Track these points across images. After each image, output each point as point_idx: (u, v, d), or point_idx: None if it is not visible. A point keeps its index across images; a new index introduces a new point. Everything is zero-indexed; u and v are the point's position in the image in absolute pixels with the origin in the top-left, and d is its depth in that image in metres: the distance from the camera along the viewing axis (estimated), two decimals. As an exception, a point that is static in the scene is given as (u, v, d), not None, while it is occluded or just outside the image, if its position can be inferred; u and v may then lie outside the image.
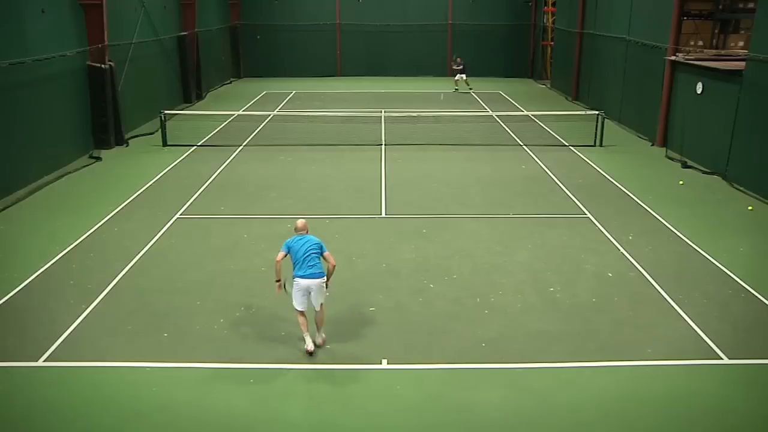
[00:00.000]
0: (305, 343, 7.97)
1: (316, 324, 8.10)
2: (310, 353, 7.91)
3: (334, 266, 7.92)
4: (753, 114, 14.64)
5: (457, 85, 30.51)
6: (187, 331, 8.53)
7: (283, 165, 16.95)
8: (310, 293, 7.85)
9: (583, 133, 19.99)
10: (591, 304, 9.30)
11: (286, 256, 7.89)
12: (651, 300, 9.44)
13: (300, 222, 8.15)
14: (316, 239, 8.02)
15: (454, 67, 30.52)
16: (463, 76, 30.13)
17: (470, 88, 30.33)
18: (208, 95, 28.88)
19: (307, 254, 7.79)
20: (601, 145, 19.06)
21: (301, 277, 7.77)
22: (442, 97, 28.44)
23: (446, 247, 11.37)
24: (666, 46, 18.65)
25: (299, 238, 7.97)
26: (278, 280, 7.95)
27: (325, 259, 7.93)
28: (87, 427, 6.69)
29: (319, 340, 8.09)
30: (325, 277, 7.89)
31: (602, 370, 7.69)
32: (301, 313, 7.99)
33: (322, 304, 7.99)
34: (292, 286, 7.86)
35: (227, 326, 8.67)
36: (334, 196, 14.34)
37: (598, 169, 16.65)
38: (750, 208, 13.58)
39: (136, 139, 19.73)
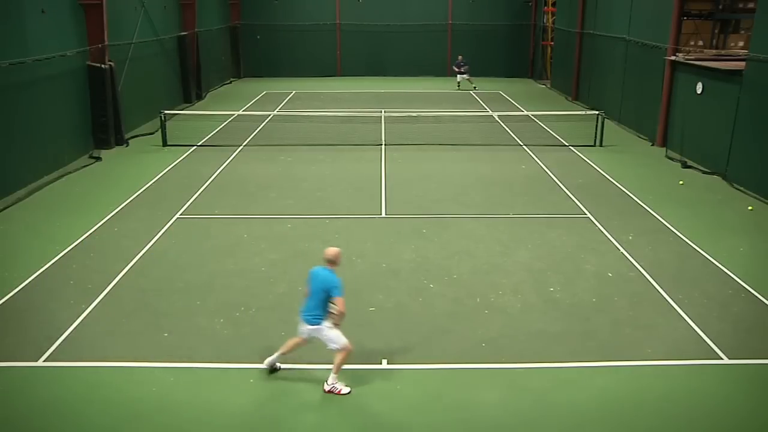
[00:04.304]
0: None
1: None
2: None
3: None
4: (753, 114, 14.64)
5: (464, 84, 30.88)
6: (187, 331, 8.54)
7: (283, 165, 16.95)
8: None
9: (583, 133, 19.99)
10: (591, 304, 9.30)
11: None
12: (651, 300, 9.44)
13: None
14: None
15: (461, 69, 30.57)
16: (465, 75, 30.47)
17: (474, 87, 30.74)
18: (208, 95, 28.87)
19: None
20: (601, 145, 19.06)
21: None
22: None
23: (446, 247, 11.37)
24: (666, 46, 18.65)
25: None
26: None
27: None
28: (87, 427, 6.69)
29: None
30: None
31: (602, 370, 7.70)
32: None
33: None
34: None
35: (227, 326, 8.67)
36: (334, 196, 14.34)
37: (598, 169, 16.64)
38: (750, 208, 13.58)
39: (136, 139, 19.73)
